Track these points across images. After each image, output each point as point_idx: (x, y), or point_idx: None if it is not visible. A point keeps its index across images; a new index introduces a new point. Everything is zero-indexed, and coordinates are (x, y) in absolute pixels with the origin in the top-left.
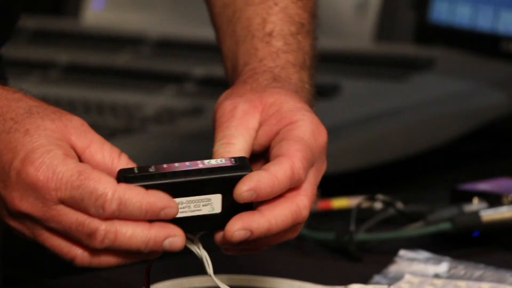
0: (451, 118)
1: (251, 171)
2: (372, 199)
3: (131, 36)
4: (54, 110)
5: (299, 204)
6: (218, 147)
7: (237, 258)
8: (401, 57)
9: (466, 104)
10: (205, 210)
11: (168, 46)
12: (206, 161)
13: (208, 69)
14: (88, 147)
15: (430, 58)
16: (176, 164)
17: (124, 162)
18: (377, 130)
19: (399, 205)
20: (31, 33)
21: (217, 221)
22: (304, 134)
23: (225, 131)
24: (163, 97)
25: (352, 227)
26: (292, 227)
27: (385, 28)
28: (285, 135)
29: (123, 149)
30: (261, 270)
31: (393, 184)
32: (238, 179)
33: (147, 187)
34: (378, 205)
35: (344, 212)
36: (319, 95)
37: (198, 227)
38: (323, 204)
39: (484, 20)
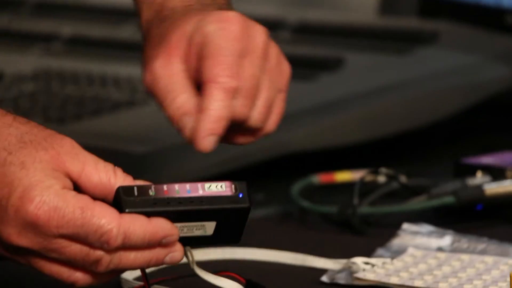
0: (455, 92)
1: (249, 204)
2: (375, 172)
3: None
4: (44, 135)
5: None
6: (171, 112)
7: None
8: (405, 31)
9: (470, 78)
10: (197, 233)
11: None
12: (206, 186)
13: None
14: (83, 171)
15: (434, 31)
16: (176, 187)
17: (120, 179)
18: (380, 104)
19: (403, 178)
20: (34, 5)
21: (206, 241)
22: (217, 45)
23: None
24: None
25: (355, 200)
26: None
27: (389, 1)
28: (202, 55)
29: (126, 122)
30: (264, 243)
31: (397, 158)
32: (236, 211)
33: (148, 215)
34: (381, 179)
35: (347, 186)
36: (323, 69)
37: (187, 244)
38: (326, 178)
39: None
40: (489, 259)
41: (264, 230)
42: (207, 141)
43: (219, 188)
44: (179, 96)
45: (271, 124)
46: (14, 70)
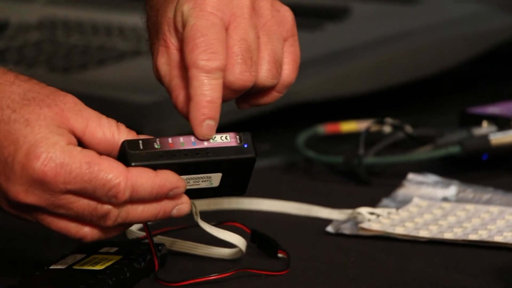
0: (461, 41)
1: (255, 154)
2: (381, 122)
3: None
4: (47, 92)
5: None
6: (179, 109)
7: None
8: None
9: (476, 27)
10: (203, 185)
11: None
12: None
13: None
14: (87, 127)
15: None
16: (181, 140)
17: (124, 133)
18: (386, 53)
19: (408, 128)
20: None
21: (212, 192)
22: (193, 26)
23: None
24: None
25: (361, 150)
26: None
27: None
28: (182, 39)
29: (131, 72)
30: (270, 193)
31: (402, 108)
32: (242, 161)
33: (155, 167)
34: (387, 129)
35: (352, 136)
36: (329, 18)
37: (194, 197)
38: (331, 128)
39: None
40: (494, 209)
41: (269, 180)
42: (204, 127)
43: (224, 139)
44: (181, 94)
45: (289, 74)
46: (19, 19)
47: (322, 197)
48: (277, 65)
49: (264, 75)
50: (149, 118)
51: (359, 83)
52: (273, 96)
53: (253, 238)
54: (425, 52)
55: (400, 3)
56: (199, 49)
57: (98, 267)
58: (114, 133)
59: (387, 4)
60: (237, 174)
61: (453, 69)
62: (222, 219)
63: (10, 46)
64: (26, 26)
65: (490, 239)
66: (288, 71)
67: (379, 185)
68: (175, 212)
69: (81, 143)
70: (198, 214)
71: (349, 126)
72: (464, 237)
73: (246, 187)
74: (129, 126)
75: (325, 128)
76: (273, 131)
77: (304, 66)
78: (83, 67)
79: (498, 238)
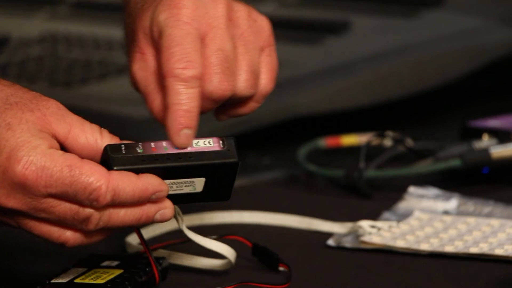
0: (461, 55)
1: (238, 158)
2: (382, 136)
3: None
4: (29, 97)
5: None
6: (155, 115)
7: (247, 195)
8: None
9: (476, 41)
10: (186, 190)
11: None
12: (194, 142)
13: None
14: (70, 132)
15: None
16: (164, 144)
17: (107, 139)
18: (387, 67)
19: (409, 142)
20: None
21: (196, 198)
22: (169, 36)
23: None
24: None
25: (362, 164)
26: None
27: None
28: (159, 48)
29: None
30: (271, 206)
31: (403, 121)
32: (225, 166)
33: (137, 171)
34: (388, 142)
35: (353, 149)
36: (330, 32)
37: (177, 202)
38: (332, 141)
39: None
40: (495, 222)
41: (270, 193)
42: (181, 136)
43: (207, 144)
44: (157, 98)
45: (267, 83)
46: (21, 33)
47: (323, 211)
48: (255, 75)
49: (242, 85)
50: (150, 132)
51: (360, 97)
52: (251, 106)
53: (254, 251)
54: (426, 66)
55: (400, 17)
56: (174, 58)
57: (100, 281)
58: (97, 138)
59: (387, 18)
60: (220, 179)
61: (454, 83)
62: (222, 232)
63: (12, 60)
64: (28, 41)
65: (491, 252)
66: (266, 81)
67: (380, 198)
68: (158, 216)
69: (64, 148)
70: (183, 221)
71: (350, 140)
72: (465, 250)
73: (230, 192)
74: (130, 140)
75: (326, 142)
76: (274, 144)
77: (305, 80)
78: (84, 81)
79: (499, 251)
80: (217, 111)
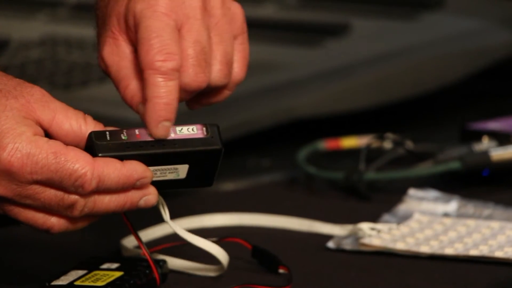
0: (461, 57)
1: (221, 145)
2: (381, 138)
3: None
4: (14, 84)
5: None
6: (127, 101)
7: (247, 197)
8: None
9: (476, 43)
10: (170, 176)
11: None
12: (178, 129)
13: None
14: (54, 118)
15: None
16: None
17: (91, 125)
18: (387, 69)
19: (409, 144)
20: None
21: (180, 184)
22: (147, 27)
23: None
24: None
25: (362, 166)
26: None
27: None
28: (136, 40)
29: None
30: (271, 209)
31: (403, 123)
32: (208, 153)
33: (122, 158)
34: (387, 145)
35: (353, 152)
36: (329, 34)
37: (161, 188)
38: (332, 144)
39: None
40: (495, 224)
41: (270, 196)
42: (160, 128)
43: (190, 131)
44: (131, 84)
45: (239, 71)
46: (21, 36)
47: (323, 213)
48: (229, 65)
49: (217, 75)
50: None
51: (360, 99)
52: (224, 95)
53: (254, 253)
54: (426, 68)
55: (400, 20)
56: (154, 50)
57: (100, 284)
58: (81, 124)
59: (387, 21)
60: (204, 166)
61: (454, 85)
62: (222, 235)
63: (12, 63)
64: (28, 44)
65: (491, 255)
66: (238, 69)
67: (380, 201)
68: (142, 203)
69: (48, 135)
70: (167, 212)
71: (349, 142)
72: (465, 253)
73: (213, 179)
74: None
75: (325, 144)
76: (274, 147)
77: (305, 82)
78: (84, 84)
79: (499, 254)
80: (190, 101)
